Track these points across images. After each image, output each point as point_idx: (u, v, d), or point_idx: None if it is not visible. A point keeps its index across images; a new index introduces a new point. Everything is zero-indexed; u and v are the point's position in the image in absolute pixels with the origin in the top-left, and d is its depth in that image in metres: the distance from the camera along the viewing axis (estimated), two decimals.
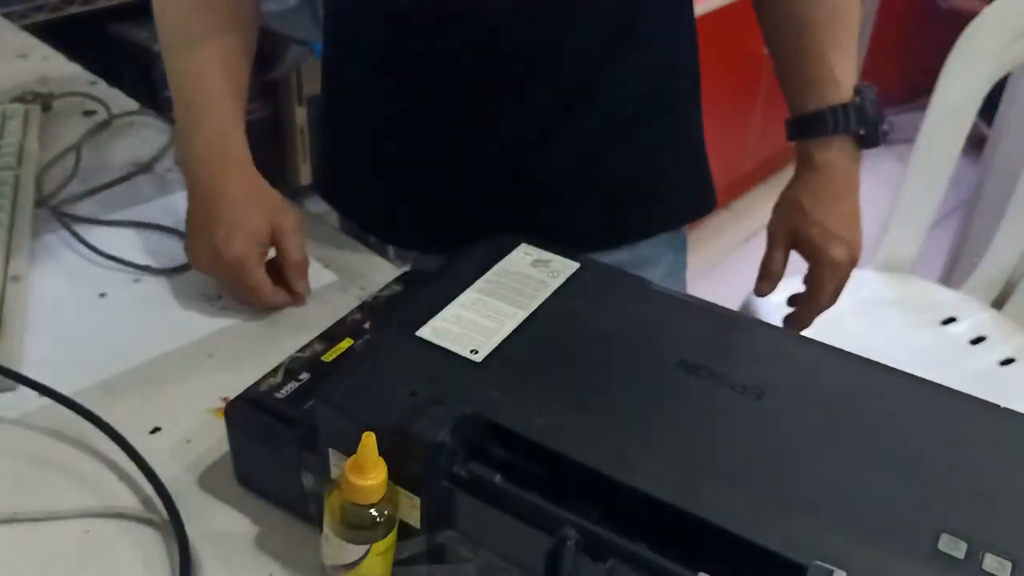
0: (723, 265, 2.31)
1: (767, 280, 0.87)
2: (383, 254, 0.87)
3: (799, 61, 0.79)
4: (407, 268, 0.83)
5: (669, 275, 0.91)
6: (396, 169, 0.85)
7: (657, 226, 0.88)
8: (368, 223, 0.91)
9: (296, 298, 0.77)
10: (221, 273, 0.76)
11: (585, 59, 0.77)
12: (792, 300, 0.88)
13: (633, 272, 0.69)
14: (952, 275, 1.86)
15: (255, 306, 0.77)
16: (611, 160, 0.82)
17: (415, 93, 0.80)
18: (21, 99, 1.05)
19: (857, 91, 0.78)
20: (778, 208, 0.85)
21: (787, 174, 0.85)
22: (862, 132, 0.78)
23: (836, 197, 0.81)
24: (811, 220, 0.81)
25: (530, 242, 0.67)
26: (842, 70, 0.78)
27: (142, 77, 1.65)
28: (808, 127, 0.80)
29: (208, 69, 0.77)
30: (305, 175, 2.16)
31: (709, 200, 0.92)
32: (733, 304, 1.29)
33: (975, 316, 1.37)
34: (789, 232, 0.84)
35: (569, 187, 0.82)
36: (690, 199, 0.90)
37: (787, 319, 0.89)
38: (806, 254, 0.84)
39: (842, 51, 0.78)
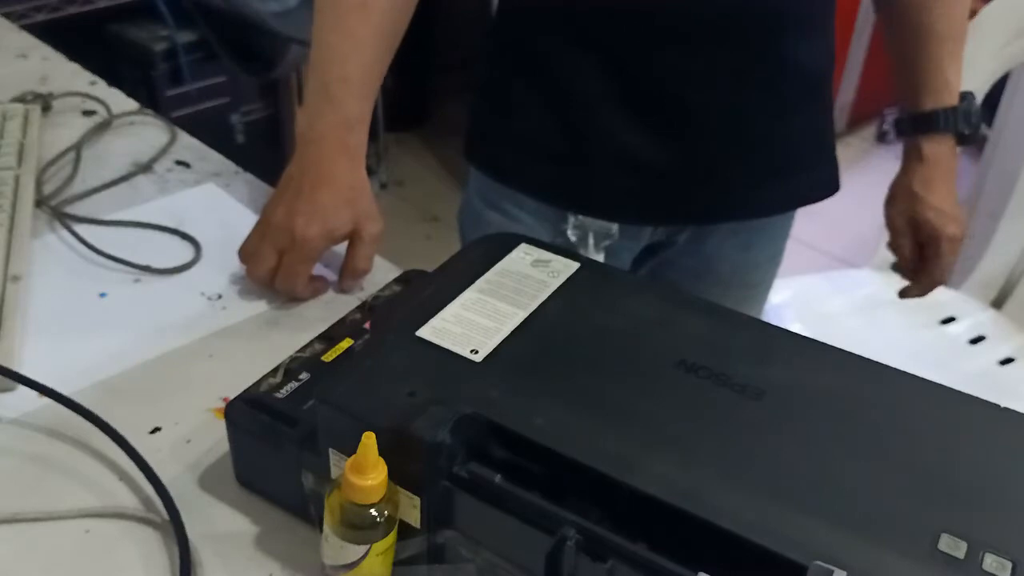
0: None
1: (903, 269, 0.99)
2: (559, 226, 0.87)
3: (920, 66, 0.91)
4: (405, 269, 0.83)
5: (773, 259, 1.02)
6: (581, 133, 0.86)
7: (790, 202, 0.98)
8: (560, 195, 0.89)
9: (317, 290, 0.79)
10: (279, 241, 0.75)
11: (762, 33, 0.83)
12: (911, 275, 0.99)
13: (747, 247, 0.92)
14: (952, 275, 1.86)
15: (270, 285, 0.77)
16: (767, 133, 0.88)
17: (596, 51, 0.83)
18: (21, 99, 1.05)
19: (963, 96, 0.91)
20: (893, 200, 0.97)
21: None
22: (966, 132, 0.91)
23: (944, 183, 0.93)
24: (927, 205, 0.93)
25: (530, 242, 0.67)
26: (954, 77, 0.90)
27: (142, 77, 1.65)
28: (922, 124, 0.92)
29: (356, 54, 0.77)
30: None
31: (835, 183, 0.98)
32: None
33: (974, 316, 1.37)
34: (908, 220, 0.95)
35: (727, 156, 0.88)
36: (819, 182, 0.97)
37: (903, 292, 1.01)
38: (927, 235, 0.94)
39: (955, 61, 0.90)
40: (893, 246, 0.99)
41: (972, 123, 0.91)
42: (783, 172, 0.92)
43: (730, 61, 0.83)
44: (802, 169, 0.94)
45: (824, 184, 0.96)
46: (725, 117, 0.85)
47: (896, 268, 1.01)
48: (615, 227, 0.88)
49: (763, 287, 1.04)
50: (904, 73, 0.93)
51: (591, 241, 0.88)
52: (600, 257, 0.87)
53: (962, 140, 0.92)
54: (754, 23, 0.82)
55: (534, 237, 0.67)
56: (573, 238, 0.88)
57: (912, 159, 0.93)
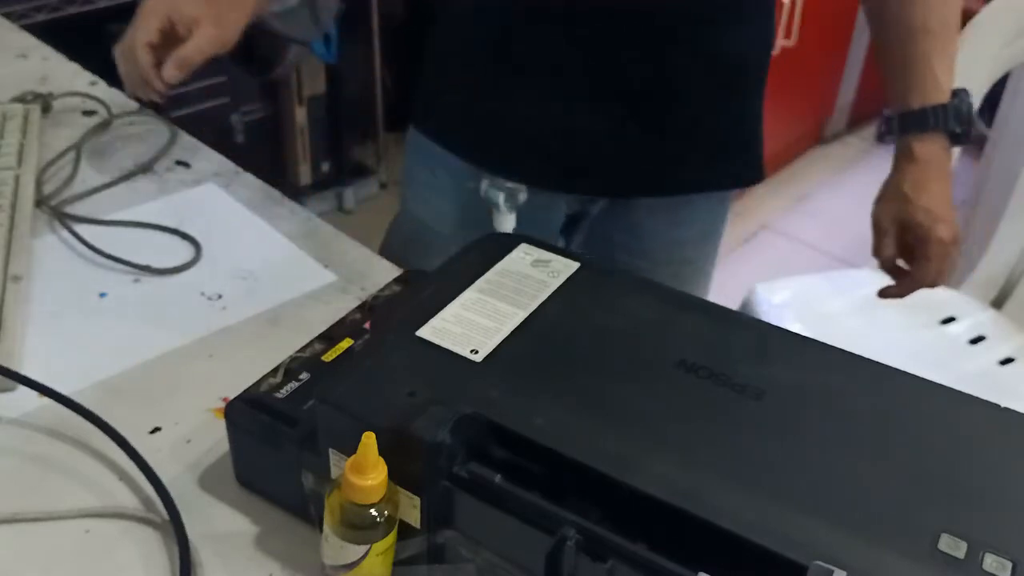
0: (723, 265, 2.31)
1: (886, 268, 0.95)
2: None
3: (907, 63, 0.88)
4: (405, 269, 0.83)
5: (704, 237, 1.01)
6: (508, 98, 0.90)
7: (711, 183, 0.97)
8: (480, 157, 0.93)
9: (153, 81, 0.83)
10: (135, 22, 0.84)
11: (692, 17, 0.85)
12: (896, 274, 0.96)
13: (675, 225, 0.91)
14: (951, 275, 1.86)
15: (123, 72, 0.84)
16: (688, 115, 0.90)
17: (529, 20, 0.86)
18: (21, 99, 1.05)
19: (954, 93, 0.87)
20: (882, 200, 0.93)
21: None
22: (958, 130, 0.88)
23: (936, 184, 0.90)
24: (916, 206, 0.90)
25: (530, 242, 0.67)
26: (944, 74, 0.87)
27: None
28: (911, 123, 0.89)
29: None
30: (305, 175, 2.16)
31: (758, 173, 0.99)
32: (733, 304, 1.29)
33: (974, 316, 1.37)
34: (896, 220, 0.92)
35: (641, 133, 0.89)
36: (744, 167, 0.98)
37: (883, 292, 0.98)
38: (915, 237, 0.91)
39: (946, 58, 0.87)
40: (876, 246, 0.96)
41: (964, 121, 0.88)
42: (701, 155, 0.92)
43: (656, 43, 0.84)
44: (723, 154, 0.94)
45: (746, 172, 0.97)
46: (643, 96, 0.87)
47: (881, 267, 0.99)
48: (524, 190, 0.91)
49: (696, 266, 1.03)
50: (893, 71, 0.91)
51: (501, 201, 0.91)
52: (512, 218, 0.91)
53: (955, 139, 0.89)
54: (685, 7, 0.83)
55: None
56: (486, 197, 0.92)
57: (903, 159, 0.91)
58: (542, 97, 0.88)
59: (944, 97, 0.87)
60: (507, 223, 0.90)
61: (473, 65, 0.91)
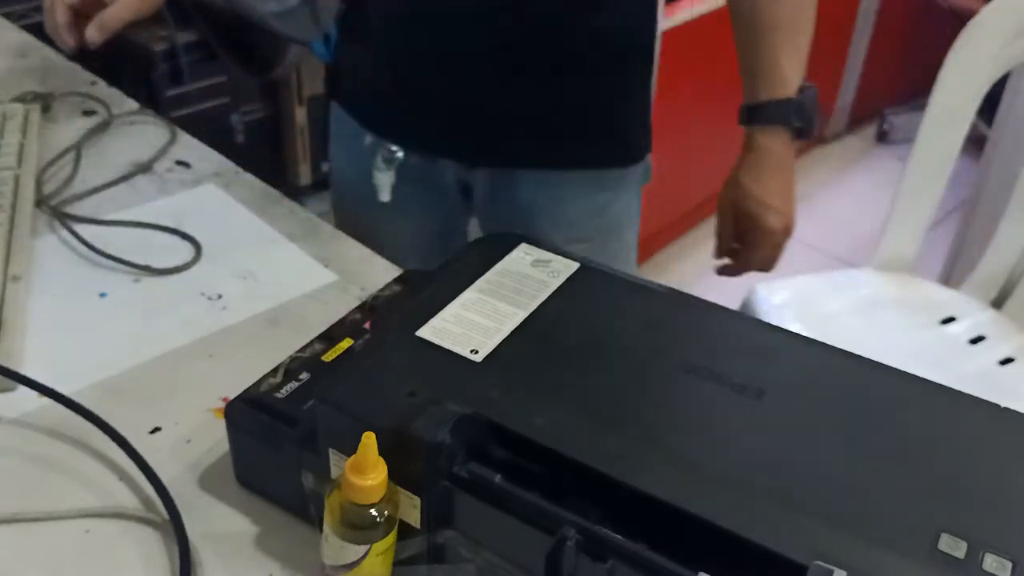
0: None
1: (720, 254, 1.03)
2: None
3: (756, 57, 0.92)
4: (405, 269, 0.83)
5: (597, 215, 1.02)
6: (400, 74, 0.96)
7: (583, 161, 0.99)
8: (370, 122, 1.01)
9: (65, 38, 0.87)
10: None
11: (561, 16, 0.89)
12: (731, 255, 1.03)
13: (558, 201, 0.96)
14: (951, 275, 1.86)
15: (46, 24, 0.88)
16: (567, 96, 0.94)
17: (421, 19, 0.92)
18: (21, 99, 1.05)
19: (801, 89, 0.91)
20: (725, 186, 0.99)
21: None
22: (798, 125, 0.91)
23: (772, 175, 0.94)
24: (749, 194, 0.95)
25: (530, 242, 0.67)
26: (790, 69, 0.90)
27: (142, 77, 1.65)
28: (754, 114, 0.93)
29: None
30: (305, 175, 2.16)
31: (637, 152, 1.03)
32: (733, 304, 1.29)
33: (974, 316, 1.37)
34: (732, 205, 0.97)
35: (524, 109, 0.94)
36: (624, 147, 1.02)
37: (720, 270, 1.05)
38: (746, 224, 0.97)
39: (794, 54, 0.90)
40: (717, 230, 1.01)
41: (805, 118, 0.91)
42: (574, 131, 0.96)
43: (532, 16, 0.88)
44: (598, 133, 0.97)
45: (625, 151, 1.00)
46: (517, 69, 0.91)
47: (729, 255, 1.05)
48: (400, 152, 0.98)
49: (589, 246, 1.02)
50: (745, 65, 0.93)
51: (379, 160, 0.99)
52: (389, 175, 0.99)
53: (798, 134, 0.92)
54: None
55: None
56: (367, 155, 1.00)
57: (745, 149, 0.95)
58: (418, 69, 0.94)
59: (788, 92, 0.90)
60: (383, 180, 0.99)
61: (365, 39, 0.98)
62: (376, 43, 0.96)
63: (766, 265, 1.00)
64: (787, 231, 0.96)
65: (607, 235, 1.03)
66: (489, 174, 1.00)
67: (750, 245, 0.98)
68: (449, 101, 0.94)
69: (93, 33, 0.86)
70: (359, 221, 1.02)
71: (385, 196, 1.01)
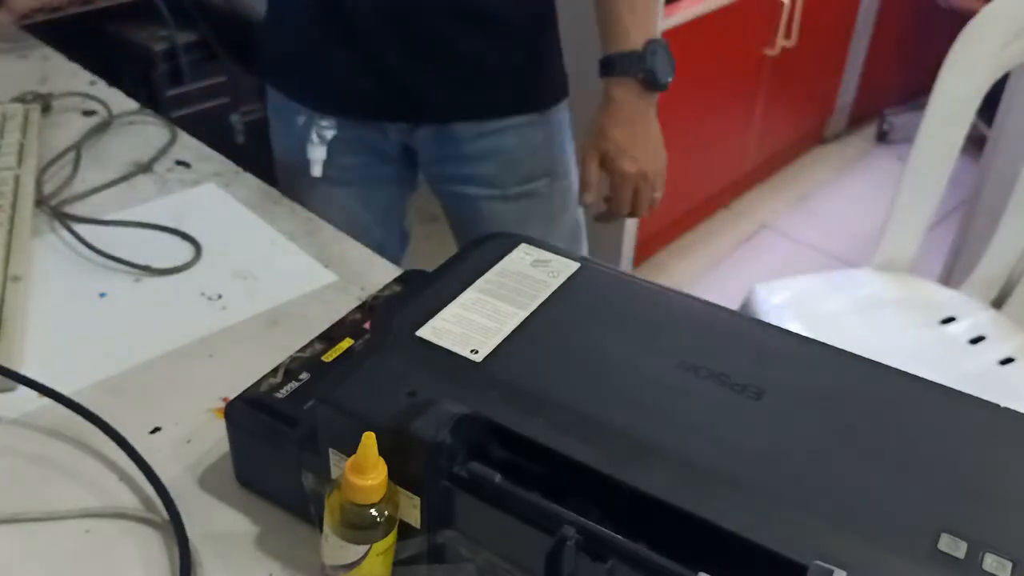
0: (723, 265, 2.32)
1: (584, 190, 1.05)
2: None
3: (605, 16, 1.00)
4: (406, 268, 0.83)
5: (537, 155, 1.09)
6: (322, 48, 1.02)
7: (525, 105, 1.06)
8: (302, 95, 1.07)
9: None
10: None
11: None
12: (606, 201, 1.08)
13: (496, 150, 1.04)
14: (951, 275, 1.86)
15: None
16: (500, 45, 1.02)
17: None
18: (21, 99, 1.05)
19: (647, 44, 0.98)
20: (588, 131, 1.04)
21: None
22: (641, 76, 0.98)
23: (626, 123, 1.01)
24: (607, 138, 1.01)
25: (530, 242, 0.67)
26: (632, 25, 0.98)
27: (142, 77, 1.64)
28: (604, 67, 1.00)
29: None
30: None
31: (565, 89, 1.11)
32: (733, 304, 1.29)
33: (974, 316, 1.37)
34: (592, 149, 1.03)
35: (461, 63, 1.01)
36: (541, 90, 1.09)
37: (596, 217, 1.10)
38: (605, 167, 1.03)
39: (636, 11, 0.99)
40: (581, 172, 1.05)
41: (647, 68, 0.97)
42: (507, 80, 1.03)
43: None
44: (526, 78, 1.05)
45: (552, 91, 1.09)
46: (431, 30, 0.98)
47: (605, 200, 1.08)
48: (333, 126, 1.05)
49: (539, 190, 1.10)
50: (599, 23, 1.01)
51: (313, 136, 1.06)
52: (322, 150, 1.06)
53: (647, 86, 0.98)
54: None
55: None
56: (303, 129, 1.06)
57: (603, 98, 1.01)
58: (340, 43, 1.00)
59: (632, 46, 0.97)
60: (316, 153, 1.05)
61: (291, 22, 1.05)
62: (312, 13, 1.01)
63: (623, 209, 1.05)
64: (642, 175, 1.02)
65: (552, 177, 1.10)
66: (432, 132, 1.05)
67: (612, 189, 1.04)
68: (389, 63, 1.00)
69: (2, 15, 0.96)
70: (304, 201, 1.04)
71: (317, 171, 1.07)
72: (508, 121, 1.05)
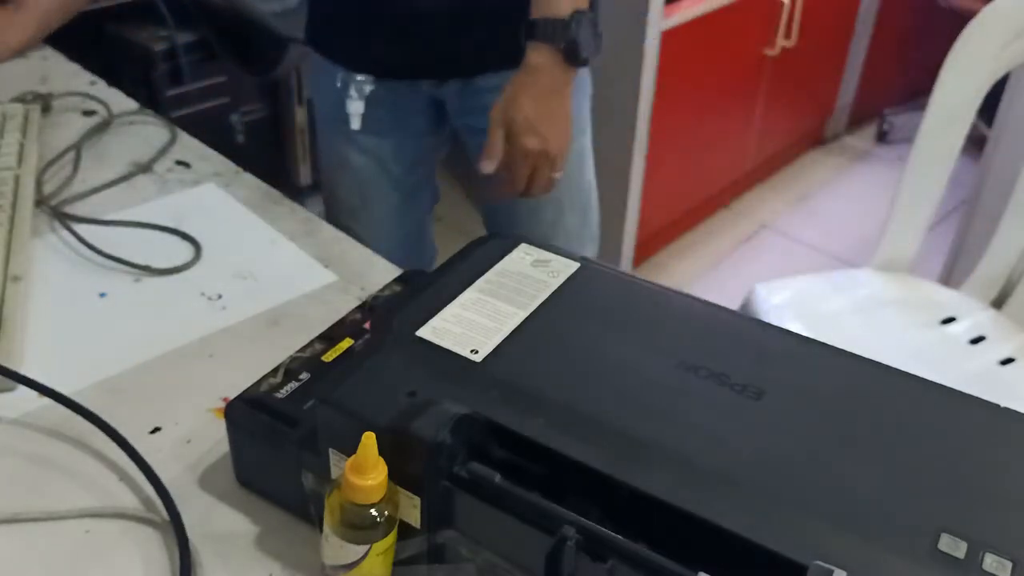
0: (723, 265, 2.32)
1: (486, 159, 1.00)
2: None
3: None
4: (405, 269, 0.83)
5: (579, 89, 1.10)
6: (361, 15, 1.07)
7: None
8: (341, 57, 1.12)
9: None
10: None
11: None
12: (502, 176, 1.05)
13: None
14: (952, 275, 1.86)
15: None
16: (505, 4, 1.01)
17: None
18: (21, 99, 1.05)
19: (574, 13, 0.93)
20: (502, 95, 0.99)
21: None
22: (562, 46, 0.93)
23: (539, 96, 0.96)
24: (515, 108, 0.96)
25: (530, 242, 0.67)
26: None
27: (142, 77, 1.65)
28: (527, 31, 0.96)
29: None
30: (305, 175, 2.16)
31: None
32: (733, 304, 1.29)
33: (974, 316, 1.37)
34: (503, 115, 0.98)
35: (484, 20, 1.03)
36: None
37: (496, 195, 1.08)
38: (508, 139, 0.98)
39: None
40: (487, 141, 1.00)
41: (569, 38, 0.93)
42: (510, 33, 1.00)
43: None
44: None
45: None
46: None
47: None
48: (370, 81, 1.10)
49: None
50: None
51: (352, 91, 1.11)
52: (360, 104, 1.11)
53: (570, 57, 0.94)
54: None
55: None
56: (340, 87, 1.11)
57: (521, 67, 0.97)
58: (375, 10, 1.05)
59: (557, 13, 0.93)
60: (355, 107, 1.11)
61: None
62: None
63: (521, 186, 1.01)
64: (544, 154, 0.98)
65: (578, 131, 1.11)
66: (459, 85, 1.10)
67: (510, 165, 1.00)
68: (421, 27, 1.03)
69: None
70: (341, 152, 1.11)
71: (356, 124, 1.12)
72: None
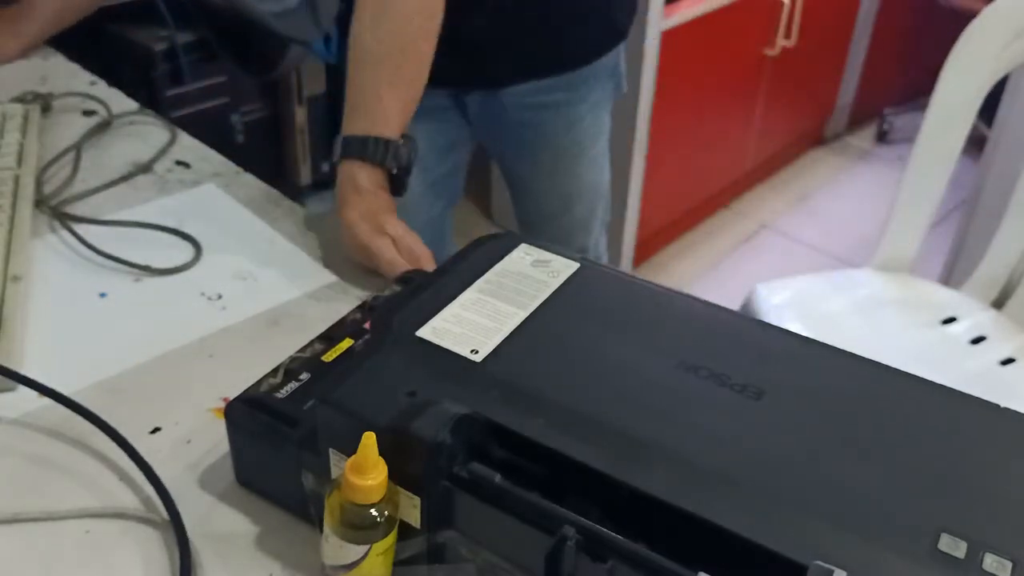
0: (723, 265, 2.32)
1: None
2: None
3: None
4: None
5: (599, 104, 1.20)
6: None
7: (593, 49, 1.14)
8: None
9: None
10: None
11: None
12: None
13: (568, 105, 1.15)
14: (952, 275, 1.86)
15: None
16: (543, 18, 1.08)
17: None
18: (21, 99, 1.05)
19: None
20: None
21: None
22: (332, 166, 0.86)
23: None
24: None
25: (530, 242, 0.67)
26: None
27: (142, 77, 1.64)
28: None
29: None
30: (305, 175, 2.16)
31: (622, 34, 1.19)
32: (733, 304, 1.29)
33: (975, 316, 1.37)
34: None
35: (504, 36, 1.08)
36: (599, 33, 1.16)
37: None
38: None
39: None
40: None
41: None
42: (548, 50, 1.10)
43: None
44: (565, 43, 1.11)
45: (602, 39, 1.15)
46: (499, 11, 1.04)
47: None
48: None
49: (569, 156, 1.20)
50: None
51: None
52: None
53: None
54: None
55: None
56: None
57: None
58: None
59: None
60: None
61: None
62: None
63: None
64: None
65: (584, 141, 1.19)
66: (480, 95, 1.15)
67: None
68: (452, 43, 0.99)
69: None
70: None
71: None
72: (546, 85, 1.13)
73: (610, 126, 1.26)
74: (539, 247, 0.67)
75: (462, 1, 0.98)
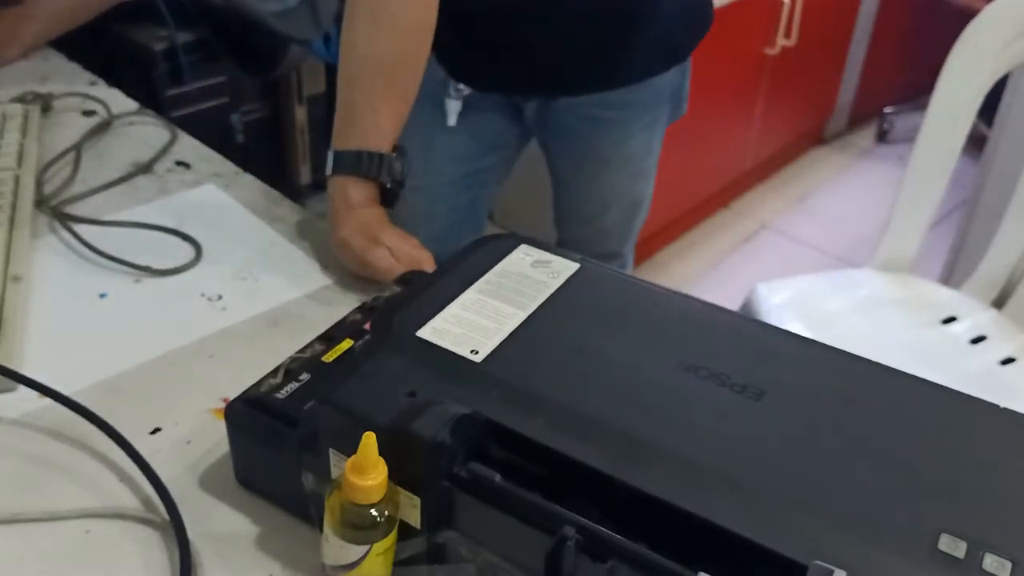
0: (723, 265, 2.32)
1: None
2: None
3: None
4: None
5: (653, 123, 1.20)
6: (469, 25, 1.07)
7: (645, 69, 1.13)
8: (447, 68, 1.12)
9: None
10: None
11: None
12: None
13: (621, 122, 1.16)
14: (952, 275, 1.86)
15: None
16: (599, 35, 1.07)
17: None
18: (21, 99, 1.05)
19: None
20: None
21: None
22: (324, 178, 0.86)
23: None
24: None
25: (530, 243, 0.67)
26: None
27: (142, 77, 1.64)
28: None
29: None
30: (305, 175, 2.16)
31: (686, 52, 1.18)
32: (733, 304, 1.29)
33: (975, 315, 1.37)
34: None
35: (561, 50, 1.07)
36: (645, 61, 1.14)
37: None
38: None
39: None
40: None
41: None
42: (603, 65, 1.09)
43: None
44: (621, 59, 1.10)
45: (661, 56, 1.14)
46: (558, 24, 1.04)
47: None
48: (466, 89, 1.12)
49: (616, 168, 1.22)
50: None
51: (451, 91, 1.12)
52: (458, 106, 1.13)
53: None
54: None
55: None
56: (443, 89, 1.12)
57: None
58: (470, 22, 1.05)
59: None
60: (453, 106, 1.14)
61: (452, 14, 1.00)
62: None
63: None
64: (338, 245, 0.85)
65: (633, 156, 1.21)
66: (536, 103, 1.15)
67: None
68: (498, 46, 1.07)
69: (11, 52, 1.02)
70: (423, 139, 1.13)
71: (452, 121, 1.14)
72: (613, 96, 1.13)
73: (661, 143, 1.25)
74: (539, 247, 0.67)
75: (522, 14, 1.03)
